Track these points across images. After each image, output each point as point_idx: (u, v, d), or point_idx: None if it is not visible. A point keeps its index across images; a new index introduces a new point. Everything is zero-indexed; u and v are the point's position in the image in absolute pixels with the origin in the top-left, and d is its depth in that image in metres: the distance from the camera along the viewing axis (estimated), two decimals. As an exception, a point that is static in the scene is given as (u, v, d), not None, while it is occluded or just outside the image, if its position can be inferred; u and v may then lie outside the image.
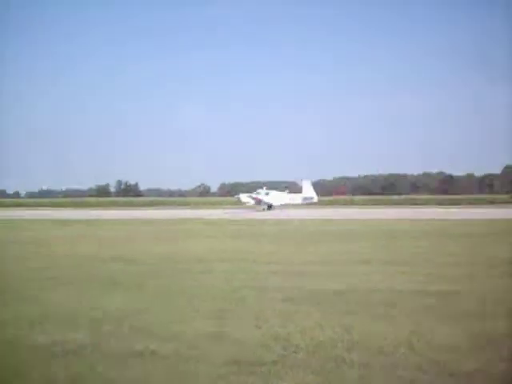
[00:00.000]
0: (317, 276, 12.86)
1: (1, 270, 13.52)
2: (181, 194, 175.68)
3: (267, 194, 76.42)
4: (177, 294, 10.77)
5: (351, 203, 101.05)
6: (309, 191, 77.93)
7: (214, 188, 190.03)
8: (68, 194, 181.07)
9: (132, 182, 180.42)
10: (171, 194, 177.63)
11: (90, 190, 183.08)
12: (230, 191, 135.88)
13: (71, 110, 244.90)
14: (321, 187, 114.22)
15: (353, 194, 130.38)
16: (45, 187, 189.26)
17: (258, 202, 74.71)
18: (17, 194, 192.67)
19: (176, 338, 7.49)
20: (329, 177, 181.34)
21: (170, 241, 23.45)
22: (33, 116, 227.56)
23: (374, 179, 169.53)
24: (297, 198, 78.04)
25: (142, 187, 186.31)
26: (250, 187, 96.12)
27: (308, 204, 78.43)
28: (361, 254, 17.53)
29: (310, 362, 6.37)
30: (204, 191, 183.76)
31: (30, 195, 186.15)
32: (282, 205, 75.77)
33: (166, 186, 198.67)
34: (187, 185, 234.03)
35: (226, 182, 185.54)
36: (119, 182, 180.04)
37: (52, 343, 7.22)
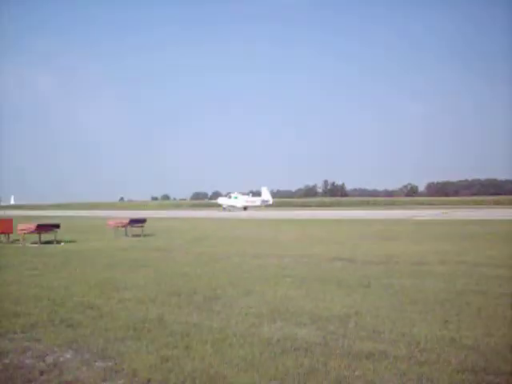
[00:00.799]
0: None
1: (241, 269, 13.86)
2: (387, 193, 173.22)
3: (236, 197, 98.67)
4: (401, 295, 9.92)
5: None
6: (266, 195, 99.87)
7: (422, 187, 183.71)
8: (278, 194, 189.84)
9: (338, 182, 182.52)
10: (377, 193, 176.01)
11: (299, 190, 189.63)
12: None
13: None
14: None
15: None
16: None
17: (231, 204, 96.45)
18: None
19: (406, 340, 6.90)
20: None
21: (389, 241, 22.49)
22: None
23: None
24: (257, 201, 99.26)
25: (349, 187, 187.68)
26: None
27: (266, 205, 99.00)
28: None
29: None
30: (411, 191, 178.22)
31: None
32: (247, 206, 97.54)
33: (371, 185, 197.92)
34: (394, 184, 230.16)
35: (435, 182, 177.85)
36: (326, 182, 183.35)
37: (281, 338, 7.02)
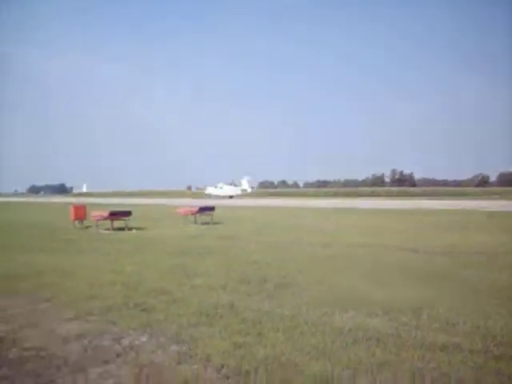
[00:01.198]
0: None
1: (309, 258, 13.79)
2: (457, 183, 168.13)
3: (221, 187, 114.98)
4: (472, 287, 9.54)
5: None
6: (245, 185, 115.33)
7: (493, 178, 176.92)
8: (346, 184, 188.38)
9: (407, 172, 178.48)
10: (445, 183, 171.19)
11: (366, 180, 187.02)
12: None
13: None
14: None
15: None
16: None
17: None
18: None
19: (481, 333, 6.67)
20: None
21: (456, 231, 21.74)
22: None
23: None
24: (237, 190, 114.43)
25: (417, 176, 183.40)
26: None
27: (245, 194, 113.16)
28: None
29: None
30: (482, 181, 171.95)
31: (308, 185, 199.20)
32: (232, 195, 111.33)
33: (440, 175, 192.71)
34: (464, 174, 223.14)
35: None
36: (394, 172, 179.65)
37: (353, 328, 6.91)
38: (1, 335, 6.63)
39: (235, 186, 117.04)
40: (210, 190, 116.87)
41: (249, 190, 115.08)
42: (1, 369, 5.48)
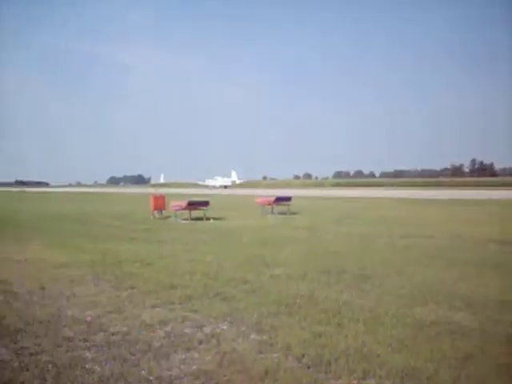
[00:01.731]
0: None
1: (390, 249, 13.56)
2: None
3: (216, 179, 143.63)
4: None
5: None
6: (234, 177, 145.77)
7: None
8: (422, 174, 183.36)
9: (487, 162, 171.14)
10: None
11: (445, 169, 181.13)
12: None
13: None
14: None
15: None
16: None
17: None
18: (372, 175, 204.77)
19: None
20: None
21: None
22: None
23: None
24: (228, 181, 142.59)
25: (498, 166, 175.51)
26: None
27: (234, 184, 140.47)
28: None
29: None
30: None
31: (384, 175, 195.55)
32: (227, 185, 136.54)
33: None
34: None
35: None
36: (473, 162, 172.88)
37: (435, 321, 6.71)
38: (88, 319, 6.89)
39: (227, 177, 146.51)
40: (208, 182, 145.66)
41: (237, 181, 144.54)
42: (89, 351, 5.68)
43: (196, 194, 68.48)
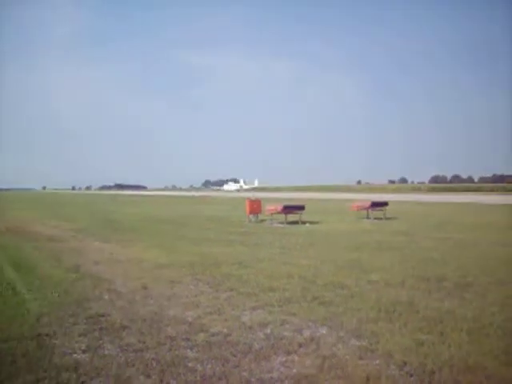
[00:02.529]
0: None
1: (491, 258, 12.99)
2: None
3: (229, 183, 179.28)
4: None
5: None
6: (255, 183, 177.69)
7: None
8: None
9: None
10: None
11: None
12: None
13: None
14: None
15: None
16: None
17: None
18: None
19: None
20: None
21: None
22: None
23: None
24: (244, 186, 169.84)
25: None
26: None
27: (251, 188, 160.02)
28: None
29: None
30: None
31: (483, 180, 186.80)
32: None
33: None
34: None
35: None
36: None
37: None
38: (189, 319, 7.15)
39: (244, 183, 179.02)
40: (227, 187, 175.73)
41: (244, 187, 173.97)
42: (191, 351, 5.91)
43: (290, 198, 68.53)
